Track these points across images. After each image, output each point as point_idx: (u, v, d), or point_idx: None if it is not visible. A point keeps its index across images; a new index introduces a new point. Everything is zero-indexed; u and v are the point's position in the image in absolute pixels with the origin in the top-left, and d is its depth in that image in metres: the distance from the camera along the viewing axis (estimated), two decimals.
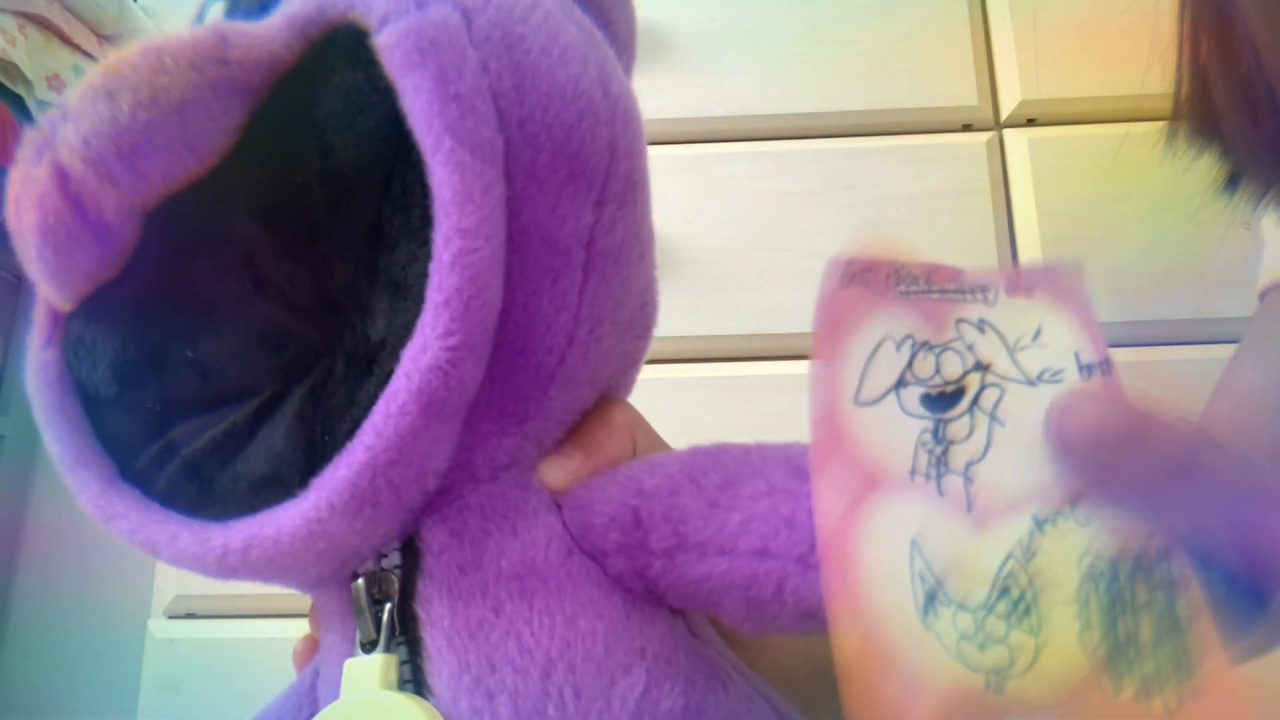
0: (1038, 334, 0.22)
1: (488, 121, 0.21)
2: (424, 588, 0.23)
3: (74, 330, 0.24)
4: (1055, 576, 0.20)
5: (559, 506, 0.25)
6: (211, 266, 0.23)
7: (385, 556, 0.24)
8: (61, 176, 0.20)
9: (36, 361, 0.24)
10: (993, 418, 0.21)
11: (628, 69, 0.29)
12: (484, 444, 0.24)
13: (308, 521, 0.21)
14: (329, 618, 0.25)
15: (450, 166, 0.21)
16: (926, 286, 0.22)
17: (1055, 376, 0.22)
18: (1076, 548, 0.20)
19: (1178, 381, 0.68)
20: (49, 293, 0.23)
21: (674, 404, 0.71)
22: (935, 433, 0.21)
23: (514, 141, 0.22)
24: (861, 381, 0.22)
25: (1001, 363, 0.22)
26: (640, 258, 0.26)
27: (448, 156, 0.21)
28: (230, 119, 0.21)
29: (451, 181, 0.21)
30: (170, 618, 0.73)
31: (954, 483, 0.21)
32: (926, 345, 0.22)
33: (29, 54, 0.81)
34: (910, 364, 0.22)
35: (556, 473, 0.26)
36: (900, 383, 0.22)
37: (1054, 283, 0.23)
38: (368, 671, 0.23)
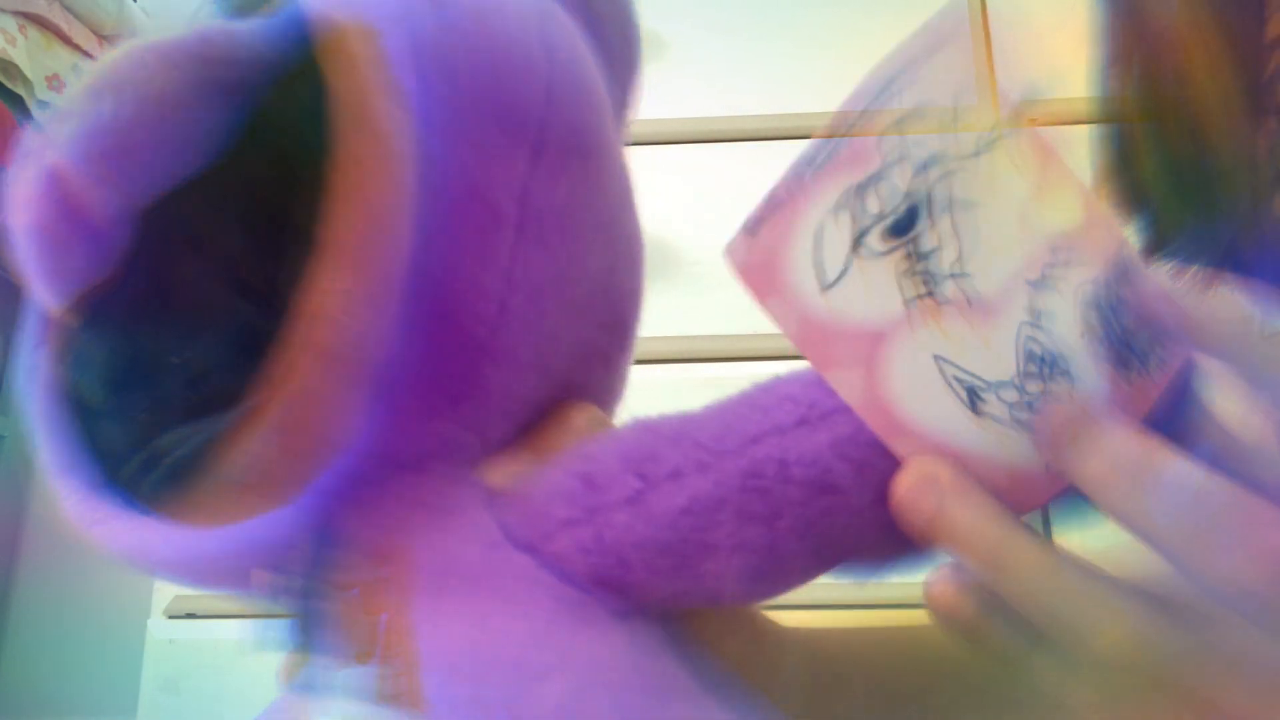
0: (956, 101, 0.22)
1: (400, 51, 0.20)
2: (332, 580, 0.22)
3: (66, 335, 0.24)
4: (1065, 322, 0.21)
5: (493, 502, 0.23)
6: (197, 271, 0.22)
7: (300, 546, 0.23)
8: (52, 177, 0.20)
9: (29, 364, 0.24)
10: (953, 208, 0.21)
11: (625, 80, 0.28)
12: (408, 426, 0.22)
13: (205, 496, 0.20)
14: None
15: (350, 89, 0.19)
16: (832, 145, 0.21)
17: (989, 139, 0.21)
18: (1071, 288, 0.21)
19: None
20: (41, 294, 0.23)
21: (674, 404, 0.71)
22: (910, 254, 0.21)
23: (428, 75, 0.20)
24: (819, 270, 0.21)
25: (938, 149, 0.21)
26: (597, 231, 0.24)
27: (349, 81, 0.19)
28: (217, 118, 0.21)
29: (349, 104, 0.19)
30: (170, 618, 0.73)
31: (948, 288, 0.21)
32: (862, 185, 0.21)
33: (29, 54, 0.81)
34: (859, 213, 0.21)
35: (501, 474, 0.23)
36: (857, 237, 0.21)
37: (937, 33, 0.22)
38: (279, 668, 0.22)
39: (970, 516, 0.20)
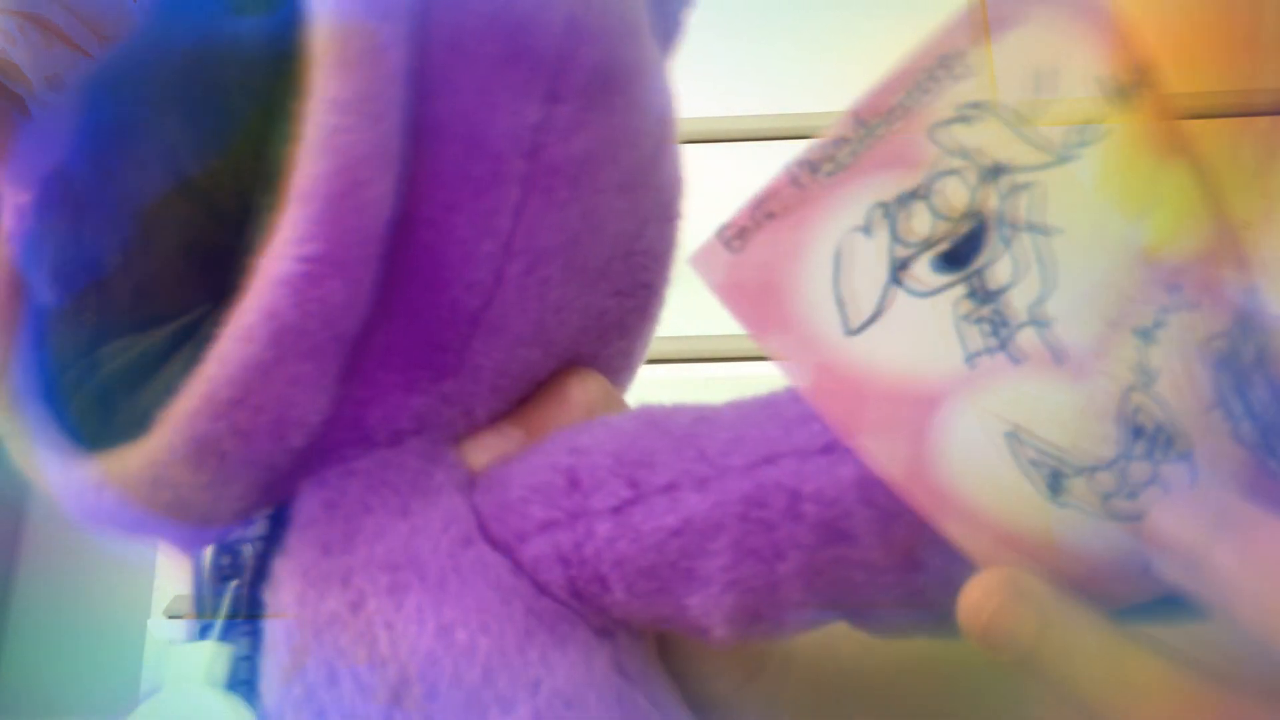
0: (1040, 82, 0.17)
1: None
2: (278, 567, 0.20)
3: (21, 224, 0.21)
4: (1186, 388, 0.16)
5: (473, 486, 0.20)
6: (136, 161, 0.20)
7: (252, 525, 0.20)
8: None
9: None
10: (1034, 231, 0.16)
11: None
12: (383, 400, 0.20)
13: (151, 464, 0.18)
14: None
15: (328, 15, 0.16)
16: (860, 134, 0.17)
17: (1088, 133, 0.16)
18: (1195, 342, 0.16)
19: None
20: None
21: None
22: (972, 294, 0.17)
23: (420, 4, 0.17)
24: (842, 307, 0.17)
25: (1014, 151, 0.16)
26: (623, 188, 0.21)
27: (327, 9, 0.16)
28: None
29: (326, 33, 0.17)
30: (170, 618, 0.73)
31: (1027, 339, 0.16)
32: (904, 198, 0.17)
33: (29, 54, 0.81)
34: (895, 236, 0.17)
35: (485, 454, 0.21)
36: (896, 267, 0.17)
37: (1007, 2, 0.17)
38: (194, 663, 0.19)
39: (1081, 643, 0.16)
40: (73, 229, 0.21)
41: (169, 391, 0.19)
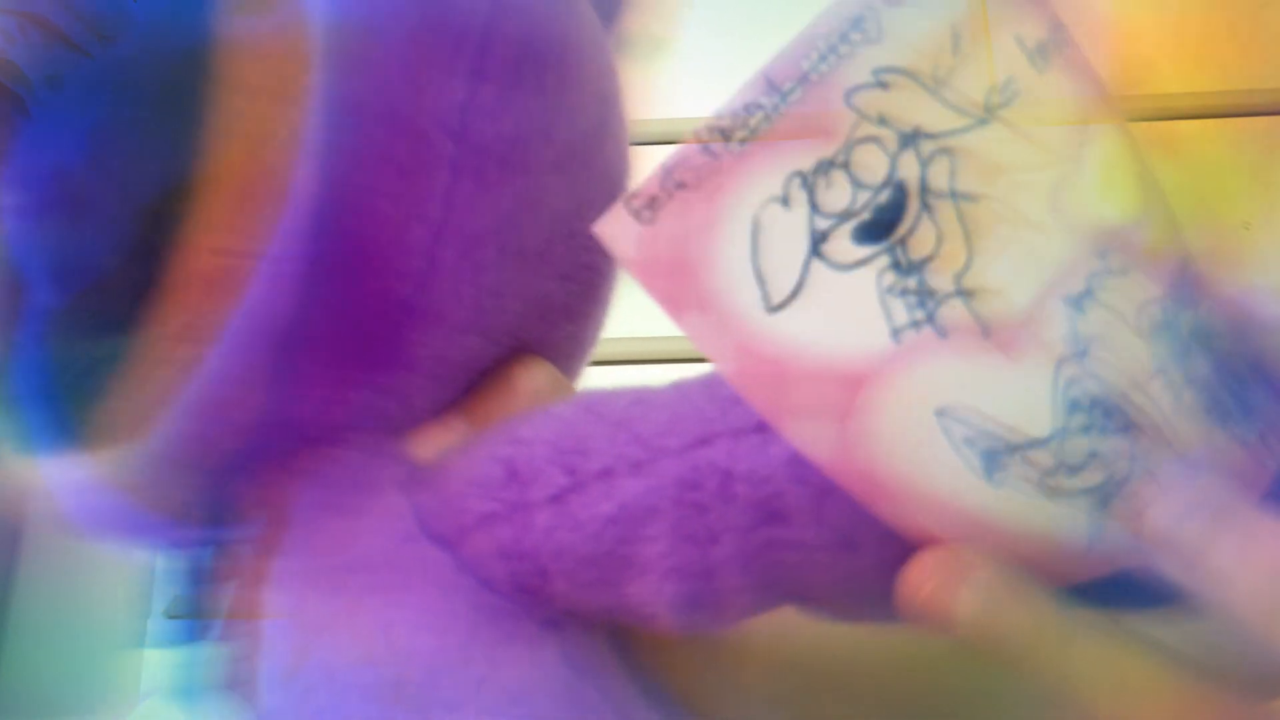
0: (956, 42, 0.16)
1: None
2: (218, 572, 0.19)
3: (18, 224, 0.21)
4: (1123, 357, 0.15)
5: (415, 481, 0.20)
6: (134, 160, 0.19)
7: (190, 529, 0.19)
8: None
9: None
10: (956, 198, 0.15)
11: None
12: (315, 395, 0.19)
13: (75, 473, 0.18)
14: None
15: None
16: (774, 100, 0.16)
17: (1007, 93, 0.16)
18: (1129, 308, 0.16)
19: None
20: None
21: None
22: (896, 265, 0.16)
23: None
24: (762, 282, 0.16)
25: (931, 115, 0.16)
26: (555, 167, 0.20)
27: None
28: None
29: (235, 12, 0.16)
30: (170, 618, 0.73)
31: (952, 311, 0.16)
32: (822, 166, 0.16)
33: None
34: (814, 206, 0.16)
35: (429, 447, 0.20)
36: (816, 240, 0.16)
37: None
38: (151, 671, 0.19)
39: (1027, 621, 0.16)
40: (71, 229, 0.20)
41: (86, 392, 0.18)
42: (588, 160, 0.21)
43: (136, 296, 0.19)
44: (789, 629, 0.26)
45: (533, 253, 0.20)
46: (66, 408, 0.19)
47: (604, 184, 0.22)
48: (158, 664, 0.19)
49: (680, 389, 0.19)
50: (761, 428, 0.17)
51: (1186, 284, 0.16)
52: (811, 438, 0.16)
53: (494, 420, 0.20)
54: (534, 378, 0.21)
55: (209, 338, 0.17)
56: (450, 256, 0.19)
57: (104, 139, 0.18)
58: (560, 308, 0.22)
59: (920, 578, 0.16)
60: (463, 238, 0.19)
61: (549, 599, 0.19)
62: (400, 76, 0.17)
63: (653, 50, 0.80)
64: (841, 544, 0.17)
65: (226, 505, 0.20)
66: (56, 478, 0.19)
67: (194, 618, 0.19)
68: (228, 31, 0.16)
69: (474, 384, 0.21)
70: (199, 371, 0.17)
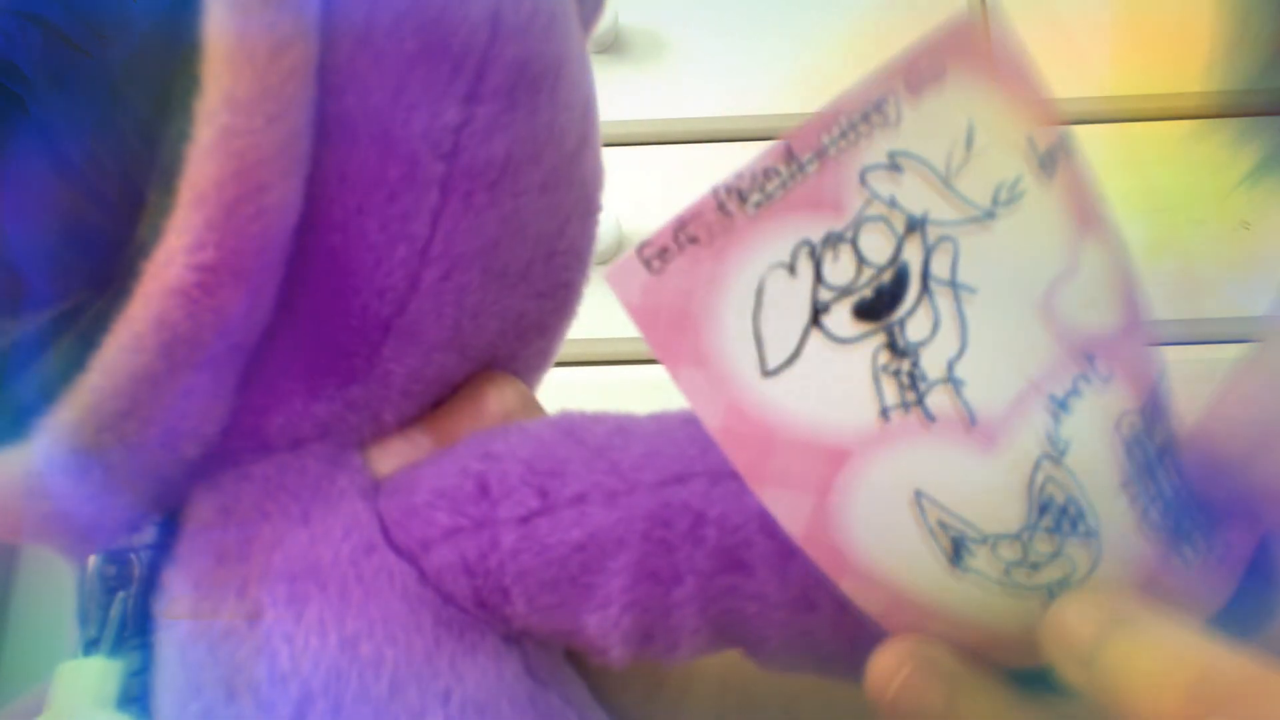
0: (970, 136, 0.16)
1: None
2: (168, 578, 0.19)
3: None
4: (1097, 463, 0.16)
5: (378, 491, 0.19)
6: (6, 133, 0.19)
7: (140, 532, 0.19)
8: None
9: None
10: (955, 287, 0.16)
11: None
12: (284, 407, 0.19)
13: (26, 475, 0.17)
14: None
15: (226, 5, 0.15)
16: (791, 169, 0.16)
17: (1014, 192, 0.16)
18: (1109, 416, 0.16)
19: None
20: None
21: (663, 407, 0.70)
22: (892, 345, 0.16)
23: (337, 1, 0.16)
24: (760, 346, 0.16)
25: (939, 205, 0.16)
26: (542, 187, 0.20)
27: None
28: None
29: (224, 29, 0.15)
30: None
31: (940, 398, 0.16)
32: (831, 239, 0.16)
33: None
34: (819, 278, 0.16)
35: (392, 460, 0.20)
36: (817, 310, 0.16)
37: (967, 46, 0.16)
38: (81, 680, 0.18)
39: (989, 710, 0.16)
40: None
41: (47, 392, 0.17)
42: (570, 178, 0.21)
43: (6, 278, 0.19)
44: (734, 654, 0.27)
45: (514, 273, 0.20)
46: (42, 403, 0.18)
47: (582, 200, 0.22)
48: (99, 672, 0.19)
49: (661, 423, 0.19)
50: (734, 477, 0.17)
51: (1161, 401, 0.17)
52: (787, 507, 0.16)
53: (460, 437, 0.20)
54: (504, 398, 0.21)
55: (181, 349, 0.16)
56: (434, 277, 0.19)
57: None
58: (534, 325, 0.22)
59: (889, 669, 0.16)
60: (449, 259, 0.19)
61: (506, 618, 0.19)
62: (391, 96, 0.17)
63: (651, 50, 0.80)
64: (801, 602, 0.18)
65: (179, 510, 0.19)
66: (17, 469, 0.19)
67: (137, 626, 0.19)
68: (222, 40, 0.16)
69: (441, 398, 0.21)
70: (163, 384, 0.17)
